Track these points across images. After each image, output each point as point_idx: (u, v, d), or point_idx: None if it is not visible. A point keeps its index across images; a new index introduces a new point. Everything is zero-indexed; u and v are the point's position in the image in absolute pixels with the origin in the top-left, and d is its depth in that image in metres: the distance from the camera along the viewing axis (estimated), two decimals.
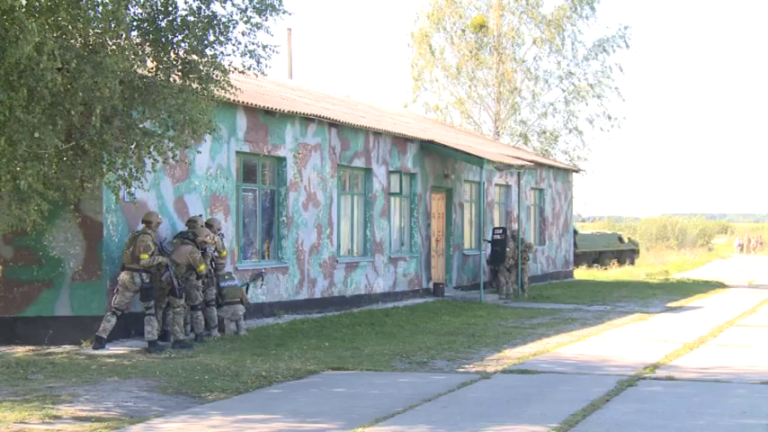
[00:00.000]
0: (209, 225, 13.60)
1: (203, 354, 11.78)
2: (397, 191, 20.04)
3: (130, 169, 10.46)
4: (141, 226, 12.43)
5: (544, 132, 38.02)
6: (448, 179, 22.18)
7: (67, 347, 12.10)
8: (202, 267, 12.75)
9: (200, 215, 13.77)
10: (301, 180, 16.83)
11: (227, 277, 13.89)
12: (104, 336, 11.99)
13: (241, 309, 13.81)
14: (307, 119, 16.92)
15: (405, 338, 13.83)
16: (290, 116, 16.42)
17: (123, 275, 12.14)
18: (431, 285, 21.37)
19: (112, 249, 12.53)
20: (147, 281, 12.19)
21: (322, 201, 17.46)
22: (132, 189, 10.77)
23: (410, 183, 20.82)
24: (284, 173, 16.44)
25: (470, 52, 36.66)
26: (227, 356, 11.51)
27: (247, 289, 14.51)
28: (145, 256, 12.06)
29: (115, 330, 12.25)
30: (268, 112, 15.81)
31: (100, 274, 12.43)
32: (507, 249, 22.14)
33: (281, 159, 16.41)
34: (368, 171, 19.18)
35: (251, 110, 15.37)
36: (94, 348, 11.88)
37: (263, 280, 15.27)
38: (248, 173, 15.96)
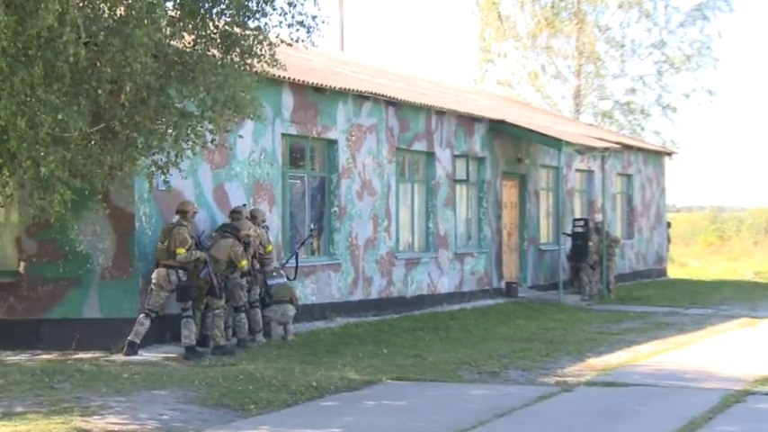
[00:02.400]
0: (252, 216, 13.65)
1: (247, 361, 11.84)
2: (464, 177, 19.92)
3: (168, 153, 10.51)
4: (176, 218, 12.51)
5: (632, 110, 37.46)
6: (521, 164, 21.98)
7: (96, 353, 12.25)
8: (244, 263, 12.80)
9: (244, 205, 13.83)
10: (355, 166, 16.81)
11: (274, 274, 13.95)
12: (137, 340, 12.12)
13: (291, 310, 13.86)
14: (361, 96, 16.88)
15: (473, 345, 13.75)
16: (342, 94, 16.39)
17: (157, 273, 12.24)
18: (502, 285, 21.21)
19: (145, 244, 12.65)
20: (185, 279, 12.28)
21: (378, 189, 17.42)
22: (168, 177, 10.83)
23: (478, 168, 20.68)
24: (336, 157, 16.44)
25: (545, 19, 36.29)
26: (273, 364, 11.55)
27: (301, 247, 14.45)
28: (181, 251, 12.14)
29: (149, 334, 12.37)
30: (317, 90, 15.81)
31: (132, 272, 12.56)
32: (590, 244, 21.88)
33: (333, 142, 16.41)
34: (430, 155, 19.09)
35: (298, 87, 15.38)
36: (126, 354, 12.02)
37: (312, 238, 15.14)
38: (295, 158, 15.99)
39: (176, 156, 10.58)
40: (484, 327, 15.96)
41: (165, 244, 12.25)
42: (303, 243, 15.13)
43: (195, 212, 12.64)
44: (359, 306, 16.79)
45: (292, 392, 9.82)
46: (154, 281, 12.25)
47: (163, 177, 10.83)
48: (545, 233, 23.30)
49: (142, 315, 12.22)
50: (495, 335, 15.00)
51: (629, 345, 14.04)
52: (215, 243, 12.83)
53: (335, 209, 16.48)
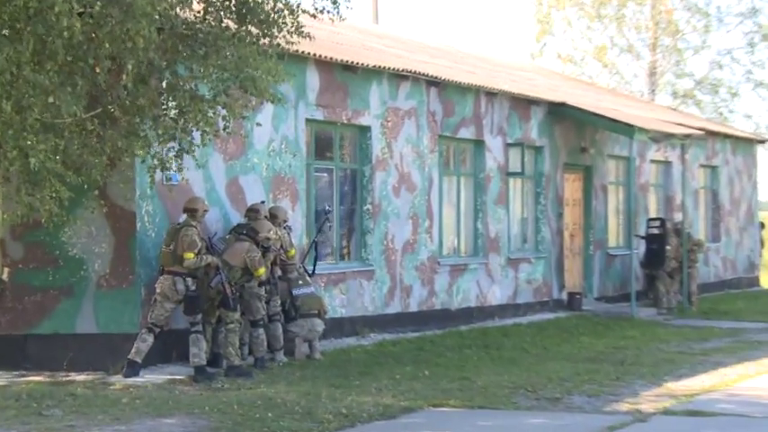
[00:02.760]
0: (272, 216, 13.73)
1: (265, 384, 11.87)
2: (518, 170, 19.87)
3: (176, 142, 10.59)
4: (183, 217, 12.62)
5: (718, 89, 37.17)
6: (586, 154, 21.91)
7: (92, 374, 12.35)
8: (262, 271, 12.87)
9: (263, 202, 13.93)
10: (391, 156, 16.85)
11: (300, 282, 14.03)
12: (139, 360, 12.24)
13: (320, 324, 13.94)
14: (398, 76, 16.91)
15: (530, 366, 13.70)
16: (376, 72, 16.43)
17: (162, 281, 12.36)
18: (564, 295, 21.14)
19: (149, 247, 12.77)
20: (194, 288, 12.38)
21: (418, 183, 17.45)
22: (174, 169, 10.92)
23: (535, 159, 20.63)
24: (369, 147, 16.49)
25: None
26: (296, 388, 11.59)
27: (319, 234, 14.54)
28: (189, 256, 12.22)
29: (152, 353, 12.48)
30: (347, 68, 15.86)
31: (132, 280, 12.66)
32: (668, 248, 21.77)
33: (365, 129, 16.45)
34: (479, 144, 19.07)
35: (325, 64, 15.44)
36: (126, 376, 12.13)
37: (329, 220, 15.19)
38: (322, 147, 16.05)
39: (185, 145, 10.66)
40: (542, 345, 15.91)
41: (171, 247, 12.34)
42: (321, 228, 15.05)
43: (206, 211, 12.73)
44: (396, 320, 16.82)
45: (318, 421, 9.84)
46: (158, 290, 12.36)
47: (169, 170, 10.91)
48: (614, 235, 23.19)
49: (144, 330, 12.33)
50: (555, 354, 14.94)
51: (715, 367, 13.92)
52: (229, 247, 12.92)
53: (368, 207, 16.52)
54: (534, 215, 20.71)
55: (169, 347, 12.93)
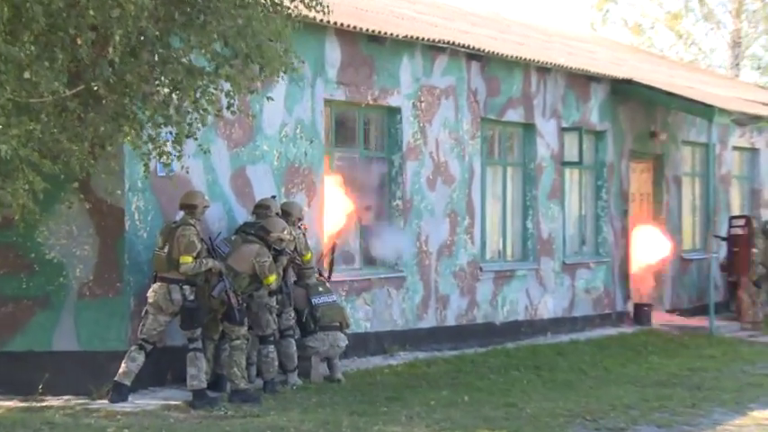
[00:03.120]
0: (285, 213, 13.74)
1: (276, 411, 11.89)
2: (575, 159, 19.83)
3: (171, 125, 10.60)
4: (180, 215, 12.66)
5: None
6: (656, 140, 21.85)
7: (72, 399, 12.36)
8: (272, 279, 12.85)
9: (274, 197, 13.95)
10: (425, 143, 16.85)
11: (320, 290, 14.06)
12: (127, 382, 12.29)
13: (343, 339, 13.97)
14: (433, 48, 16.90)
15: (589, 391, 13.69)
16: (407, 44, 16.42)
17: (155, 289, 12.39)
18: (629, 307, 21.07)
19: (139, 249, 12.81)
20: (192, 298, 12.42)
21: (457, 175, 17.44)
22: (171, 158, 10.95)
23: (595, 146, 20.60)
24: (398, 132, 16.50)
25: None
26: (312, 416, 11.60)
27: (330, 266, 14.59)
28: (187, 260, 12.23)
29: (143, 374, 12.52)
30: (373, 39, 15.86)
31: (120, 288, 12.69)
32: (754, 251, 21.65)
33: (394, 111, 16.46)
34: (529, 128, 19.06)
35: (347, 35, 15.44)
36: (112, 401, 12.17)
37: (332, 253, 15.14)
38: (343, 132, 16.06)
39: (184, 128, 10.69)
40: (603, 366, 15.89)
41: (166, 250, 12.35)
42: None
43: (206, 207, 12.75)
44: (430, 336, 16.82)
45: None
46: (150, 300, 12.38)
47: (163, 159, 10.95)
48: (690, 235, 23.16)
49: (134, 348, 12.36)
50: (619, 377, 14.92)
51: None
52: (234, 250, 12.91)
53: (398, 202, 16.53)
54: (594, 212, 20.65)
55: (163, 368, 12.96)
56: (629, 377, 14.93)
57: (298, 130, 14.81)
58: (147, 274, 12.72)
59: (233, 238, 13.13)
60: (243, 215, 13.90)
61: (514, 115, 18.64)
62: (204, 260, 12.38)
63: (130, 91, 10.21)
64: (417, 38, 16.44)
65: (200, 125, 10.82)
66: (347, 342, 14.09)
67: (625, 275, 21.06)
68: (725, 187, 24.06)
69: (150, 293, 12.37)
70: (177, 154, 10.85)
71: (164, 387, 12.93)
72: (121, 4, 9.45)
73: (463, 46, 17.27)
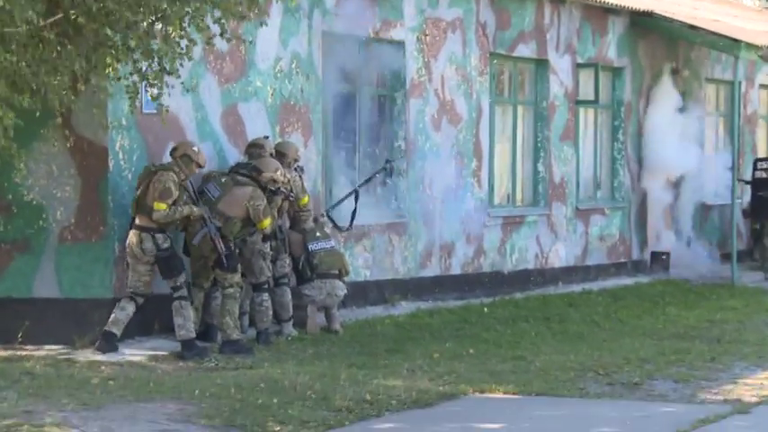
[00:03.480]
0: (279, 154, 13.71)
1: (270, 362, 11.93)
2: (591, 98, 19.78)
3: (158, 57, 10.54)
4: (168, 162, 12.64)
5: None
6: (678, 77, 21.80)
7: (54, 348, 12.40)
8: (267, 223, 12.84)
9: (267, 137, 13.91)
10: (430, 80, 16.80)
11: (318, 235, 14.08)
12: (116, 331, 12.31)
13: (341, 287, 14.01)
14: None
15: (602, 344, 13.73)
16: None
17: (129, 237, 12.33)
18: (647, 255, 21.09)
19: (124, 191, 12.77)
20: (165, 246, 12.33)
21: (464, 114, 17.40)
22: (156, 91, 10.90)
23: (612, 84, 20.57)
24: (402, 67, 16.43)
25: None
26: (308, 368, 11.63)
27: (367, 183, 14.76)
28: (161, 206, 12.10)
29: (129, 323, 12.54)
30: None
31: (104, 232, 12.67)
32: None
33: (397, 45, 16.39)
34: (541, 64, 19.01)
35: None
36: (100, 349, 12.20)
37: (390, 171, 15.35)
38: (342, 67, 15.98)
39: (167, 63, 10.63)
40: (618, 317, 15.94)
41: (139, 192, 12.29)
42: (371, 178, 15.17)
43: (200, 166, 12.63)
44: (434, 285, 16.85)
45: (336, 409, 9.88)
46: (127, 250, 12.36)
47: (150, 93, 10.90)
48: (712, 180, 23.05)
49: (125, 298, 12.40)
50: (634, 329, 14.96)
51: None
52: (226, 193, 12.86)
53: (400, 143, 16.50)
54: (610, 155, 20.66)
55: (149, 317, 12.98)
56: (644, 329, 14.98)
57: (293, 65, 14.74)
58: (130, 219, 12.71)
59: (224, 180, 13.04)
60: (234, 155, 13.87)
61: (526, 50, 18.57)
62: (180, 207, 12.28)
63: (112, 20, 10.14)
64: None
65: (186, 57, 10.75)
66: (346, 291, 14.14)
67: (642, 222, 21.05)
68: (751, 128, 24.02)
69: (127, 241, 12.36)
70: (162, 90, 10.80)
71: (150, 337, 12.97)
72: None
73: None
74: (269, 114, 14.46)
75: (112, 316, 12.27)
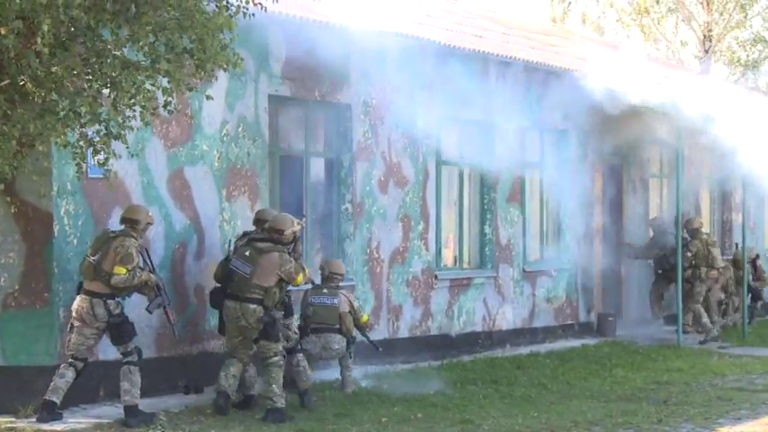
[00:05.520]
0: (261, 221, 13.75)
1: (217, 428, 11.94)
2: (537, 159, 19.88)
3: (107, 123, 10.56)
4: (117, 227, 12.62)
5: None
6: (622, 140, 21.96)
7: None
8: (300, 278, 13.19)
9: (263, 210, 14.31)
10: (377, 142, 16.90)
11: (325, 291, 14.48)
12: (56, 400, 12.21)
13: (337, 341, 14.38)
14: (386, 40, 16.88)
15: (550, 406, 13.80)
16: (357, 36, 16.42)
17: (79, 302, 12.25)
18: (593, 317, 21.22)
19: (69, 257, 12.76)
20: (117, 312, 12.28)
21: (411, 177, 17.51)
22: (103, 156, 10.90)
23: (558, 146, 20.69)
24: (348, 131, 16.54)
25: None
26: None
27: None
28: (121, 270, 12.08)
29: (75, 390, 12.46)
30: (322, 29, 15.85)
31: (48, 298, 12.66)
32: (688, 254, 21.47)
33: (344, 108, 16.51)
34: (487, 127, 19.14)
35: (293, 25, 15.43)
36: (41, 420, 12.11)
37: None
38: (289, 131, 16.06)
39: (113, 128, 10.66)
40: (565, 379, 16.02)
41: (96, 258, 12.24)
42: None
43: (149, 224, 12.68)
44: (382, 348, 16.85)
45: None
46: (74, 314, 12.28)
47: (98, 157, 10.91)
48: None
49: (64, 364, 12.30)
50: (582, 391, 15.05)
51: None
52: (255, 266, 12.88)
53: (347, 206, 16.57)
54: (557, 217, 20.78)
55: (94, 384, 12.96)
56: (592, 391, 15.07)
57: (240, 129, 14.81)
58: (77, 284, 12.67)
59: (247, 253, 12.99)
60: (181, 219, 13.93)
61: (472, 112, 18.71)
62: (138, 272, 12.28)
63: (60, 86, 10.17)
64: (370, 28, 16.43)
65: (133, 124, 10.78)
66: (344, 346, 14.39)
67: (588, 284, 21.21)
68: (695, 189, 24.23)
69: (74, 305, 12.29)
70: (108, 155, 10.81)
71: (95, 404, 12.91)
72: None
73: (419, 37, 17.29)
74: (215, 178, 14.50)
75: (52, 384, 12.17)
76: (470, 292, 18.64)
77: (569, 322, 20.73)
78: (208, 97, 12.85)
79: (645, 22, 37.63)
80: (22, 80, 10.10)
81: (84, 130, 10.67)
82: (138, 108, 10.64)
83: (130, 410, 12.18)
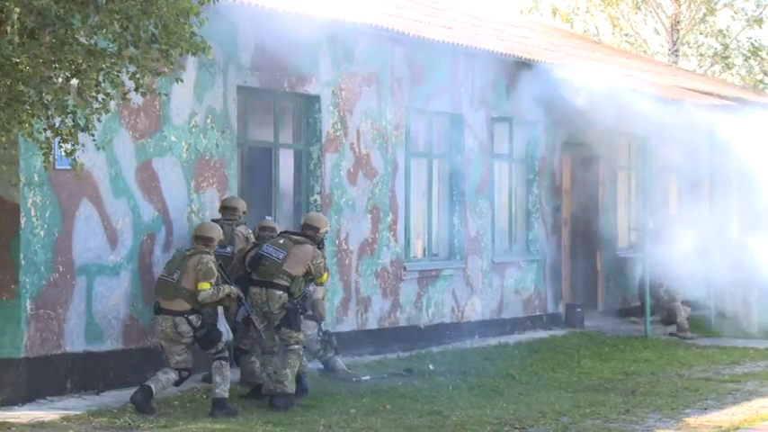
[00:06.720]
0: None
1: (186, 420, 11.99)
2: (506, 151, 20.00)
3: (72, 113, 10.56)
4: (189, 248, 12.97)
5: (757, 51, 37.48)
6: (591, 131, 22.06)
7: None
8: (326, 277, 13.56)
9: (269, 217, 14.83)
10: (345, 134, 16.93)
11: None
12: (154, 388, 12.39)
13: (310, 327, 14.43)
14: (355, 31, 16.96)
15: (518, 397, 13.87)
16: (326, 26, 16.47)
17: (159, 323, 12.53)
18: (561, 309, 21.34)
19: (36, 248, 12.75)
20: (199, 324, 12.56)
21: (380, 168, 17.55)
22: (70, 147, 10.88)
23: (527, 138, 20.79)
24: (317, 122, 16.57)
25: None
26: (223, 425, 11.69)
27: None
28: (205, 286, 12.44)
29: (42, 383, 12.55)
30: (290, 20, 15.87)
31: (15, 291, 12.62)
32: None
33: (313, 99, 16.53)
34: (456, 118, 19.21)
35: (260, 17, 15.45)
36: (133, 399, 12.26)
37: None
38: (258, 122, 16.08)
39: (80, 120, 10.65)
40: (533, 370, 16.10)
41: (175, 277, 12.51)
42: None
43: (222, 240, 13.15)
44: (350, 340, 16.87)
45: None
46: (160, 335, 12.57)
47: (63, 149, 10.90)
48: (625, 233, 23.37)
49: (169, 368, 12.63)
50: (549, 382, 15.14)
51: (749, 397, 14.19)
52: (288, 253, 13.14)
53: (316, 197, 16.59)
54: (525, 208, 20.90)
55: (62, 377, 12.99)
56: (560, 382, 15.16)
57: (208, 120, 14.80)
58: (44, 276, 12.76)
59: (281, 241, 13.30)
60: (149, 211, 13.95)
61: (442, 104, 18.78)
62: (221, 286, 12.66)
63: (26, 75, 10.16)
64: (338, 19, 16.46)
65: (102, 112, 10.78)
66: (316, 332, 14.54)
67: (557, 275, 21.31)
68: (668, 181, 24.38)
69: (157, 326, 12.58)
70: (76, 146, 10.80)
71: (63, 396, 12.91)
72: None
73: (387, 28, 17.30)
74: (184, 169, 14.50)
75: (155, 375, 12.51)
76: (439, 284, 18.69)
77: (537, 313, 20.83)
78: (178, 80, 12.85)
79: (613, 14, 37.78)
80: None
81: (50, 120, 10.66)
82: (102, 96, 10.62)
83: (218, 402, 12.44)
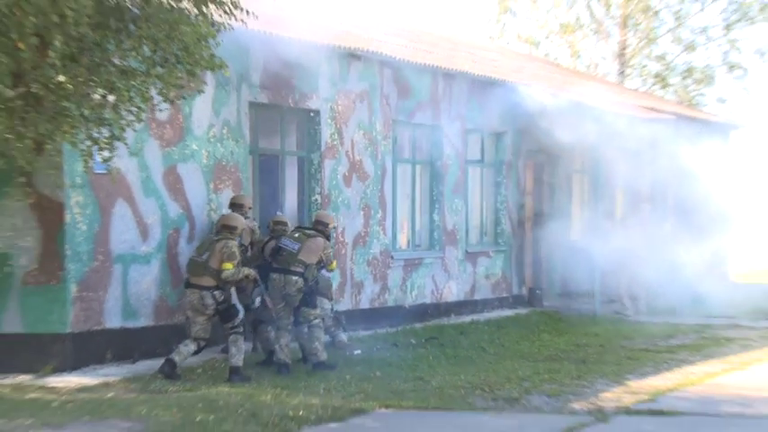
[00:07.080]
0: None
1: (207, 384, 12.02)
2: (478, 157, 19.99)
3: (109, 124, 10.56)
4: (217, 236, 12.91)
5: (691, 72, 37.54)
6: (550, 140, 22.07)
7: (19, 377, 12.35)
8: (335, 264, 13.89)
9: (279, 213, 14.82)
10: (341, 143, 16.97)
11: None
12: (177, 360, 12.41)
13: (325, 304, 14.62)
14: (350, 55, 16.99)
15: (487, 365, 13.94)
16: (325, 51, 16.49)
17: (188, 294, 12.62)
18: (524, 291, 21.42)
19: (79, 241, 12.79)
20: (222, 299, 12.65)
21: (371, 172, 17.58)
22: (107, 154, 10.90)
23: (496, 146, 20.81)
24: (317, 133, 16.59)
25: None
26: (239, 389, 11.72)
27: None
28: (229, 266, 12.52)
29: (85, 354, 12.58)
30: (295, 46, 15.88)
31: (62, 276, 12.69)
32: None
33: (314, 114, 16.55)
34: (436, 129, 19.25)
35: (270, 42, 15.47)
36: (161, 371, 12.26)
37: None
38: (267, 133, 16.11)
39: (116, 130, 10.67)
40: (501, 343, 16.17)
41: (204, 257, 12.61)
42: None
43: (244, 229, 13.19)
44: (346, 317, 16.82)
45: (263, 424, 9.96)
46: (187, 305, 12.64)
47: (101, 156, 10.92)
48: (579, 226, 23.46)
49: (190, 339, 12.59)
50: (514, 353, 15.21)
51: (680, 365, 14.26)
52: (303, 245, 13.30)
53: (317, 197, 16.62)
54: (494, 206, 20.95)
55: (102, 348, 13.01)
56: (522, 353, 15.25)
57: (224, 132, 14.83)
58: (86, 264, 12.82)
59: (296, 235, 13.46)
60: (175, 209, 13.98)
61: (423, 117, 18.82)
62: (242, 268, 12.77)
63: (68, 93, 10.19)
64: (335, 45, 16.50)
65: (134, 126, 10.81)
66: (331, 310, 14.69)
67: (520, 262, 21.37)
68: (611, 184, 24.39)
69: (186, 298, 12.68)
70: (109, 154, 10.84)
71: (103, 365, 12.96)
72: (62, 11, 9.42)
73: (377, 53, 17.35)
74: (204, 174, 14.53)
75: (176, 348, 12.50)
76: (421, 270, 18.74)
77: (504, 295, 20.89)
78: (200, 91, 12.80)
79: (570, 40, 37.81)
80: (36, 88, 10.12)
81: (90, 131, 10.69)
82: (134, 109, 10.66)
83: (235, 370, 12.50)
